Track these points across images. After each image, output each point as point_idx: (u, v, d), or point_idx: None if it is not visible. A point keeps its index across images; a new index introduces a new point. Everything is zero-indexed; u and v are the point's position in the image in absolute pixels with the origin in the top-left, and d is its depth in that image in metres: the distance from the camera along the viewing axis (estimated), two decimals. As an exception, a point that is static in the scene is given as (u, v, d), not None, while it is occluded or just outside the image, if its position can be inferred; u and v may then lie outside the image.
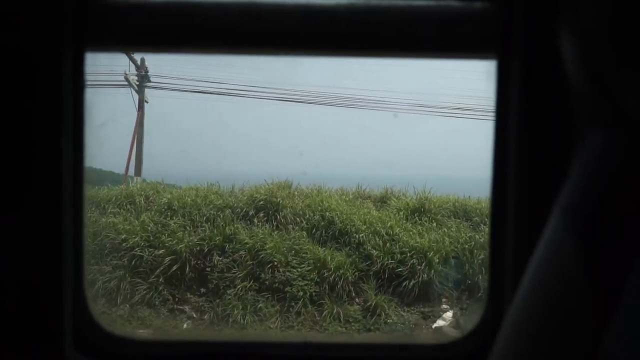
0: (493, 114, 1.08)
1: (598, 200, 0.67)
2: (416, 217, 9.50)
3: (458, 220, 9.65)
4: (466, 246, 8.90)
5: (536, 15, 1.00)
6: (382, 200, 10.18)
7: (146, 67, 13.76)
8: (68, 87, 1.05)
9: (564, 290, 0.67)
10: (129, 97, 13.86)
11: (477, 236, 9.00)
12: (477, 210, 9.63)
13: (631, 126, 0.66)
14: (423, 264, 8.52)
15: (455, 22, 1.09)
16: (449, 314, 8.37)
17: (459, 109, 10.51)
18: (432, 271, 8.49)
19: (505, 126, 1.06)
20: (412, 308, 8.41)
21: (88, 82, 1.09)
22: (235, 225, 8.86)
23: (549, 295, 0.68)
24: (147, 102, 14.15)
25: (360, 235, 8.87)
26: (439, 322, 8.24)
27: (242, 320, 7.89)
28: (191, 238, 8.62)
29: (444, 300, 8.59)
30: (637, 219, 0.64)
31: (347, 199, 10.02)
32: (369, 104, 10.62)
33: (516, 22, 1.03)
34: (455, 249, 8.87)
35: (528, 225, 1.00)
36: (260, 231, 8.79)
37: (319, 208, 9.32)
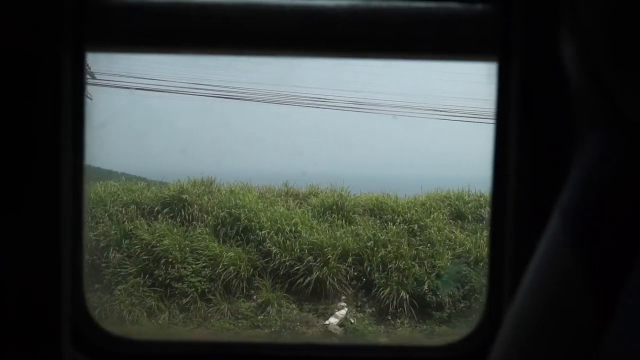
0: (493, 115, 1.08)
1: (598, 201, 0.67)
2: (328, 215, 9.42)
3: (373, 217, 9.57)
4: (368, 243, 8.81)
5: (536, 17, 1.00)
6: (304, 198, 10.13)
7: (88, 65, 13.88)
8: (68, 87, 1.06)
9: (563, 291, 0.67)
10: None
11: (379, 234, 8.91)
12: (390, 209, 9.54)
13: (631, 127, 0.65)
14: (318, 261, 8.44)
15: (455, 24, 1.08)
16: (343, 312, 8.26)
17: (452, 112, 10.36)
18: (326, 268, 8.40)
19: (505, 127, 1.06)
20: (306, 305, 8.32)
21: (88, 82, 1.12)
22: (136, 222, 8.86)
23: (549, 296, 0.68)
24: (90, 99, 14.26)
25: (263, 232, 8.82)
26: (331, 320, 8.15)
27: (128, 317, 7.87)
28: (89, 233, 8.62)
29: (343, 297, 8.50)
30: (637, 220, 0.64)
31: (270, 196, 9.98)
32: (367, 107, 10.46)
33: (516, 24, 1.03)
34: (358, 246, 8.78)
35: (528, 226, 1.00)
36: (160, 227, 8.77)
37: (227, 205, 9.29)
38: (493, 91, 1.07)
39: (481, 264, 8.64)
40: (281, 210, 9.32)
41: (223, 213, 9.15)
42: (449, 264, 8.56)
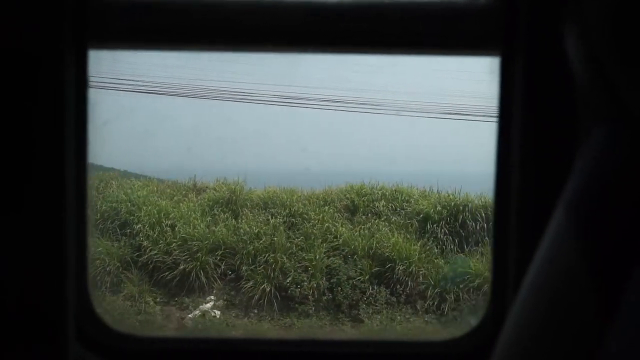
0: (496, 110, 1.08)
1: (602, 196, 0.67)
2: (216, 209, 9.36)
3: (263, 211, 9.48)
4: (244, 237, 8.73)
5: (540, 12, 1.00)
6: (199, 192, 10.09)
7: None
8: (70, 86, 1.06)
9: (567, 287, 0.66)
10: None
11: (254, 227, 8.82)
12: (280, 202, 9.45)
13: (635, 122, 0.65)
14: (186, 254, 8.38)
15: (458, 19, 1.08)
16: (208, 305, 8.19)
17: (451, 112, 10.23)
18: (194, 262, 8.34)
19: (509, 123, 1.06)
20: (172, 298, 8.27)
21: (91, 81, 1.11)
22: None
23: (552, 292, 0.68)
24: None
25: (138, 226, 8.79)
26: (195, 313, 8.08)
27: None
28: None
29: (213, 291, 8.42)
30: None
31: (170, 191, 9.95)
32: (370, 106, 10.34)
33: (520, 19, 1.02)
34: (232, 240, 8.70)
35: (531, 222, 1.00)
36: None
37: (109, 199, 9.29)
38: (496, 86, 1.07)
39: (355, 256, 8.51)
40: (162, 204, 9.28)
41: (104, 207, 9.14)
42: (317, 257, 8.44)
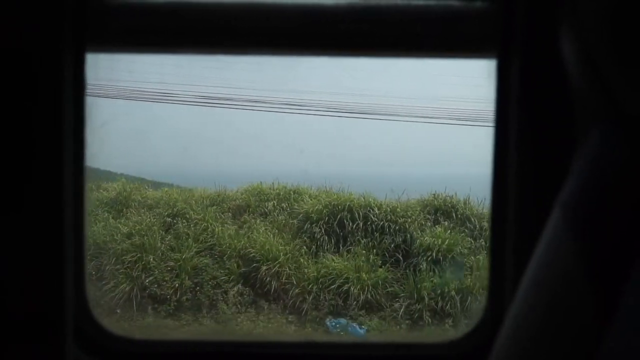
0: (493, 113, 1.08)
1: (599, 198, 0.67)
2: (99, 209, 9.32)
3: (149, 211, 9.43)
4: (117, 237, 8.67)
5: (536, 14, 1.01)
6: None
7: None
8: (69, 88, 1.06)
9: (564, 288, 0.66)
10: None
11: (123, 227, 8.77)
12: (165, 203, 9.40)
13: (632, 124, 0.66)
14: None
15: (455, 21, 1.09)
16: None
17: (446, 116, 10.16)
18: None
19: (506, 124, 1.06)
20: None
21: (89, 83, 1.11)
22: None
23: (550, 293, 0.68)
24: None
25: None
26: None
27: None
28: None
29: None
30: (638, 217, 0.64)
31: None
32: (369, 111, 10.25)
33: (516, 21, 1.03)
34: (103, 240, 8.65)
35: (528, 223, 1.00)
36: None
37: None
38: (492, 88, 1.07)
39: (225, 256, 8.41)
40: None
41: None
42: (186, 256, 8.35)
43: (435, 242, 8.30)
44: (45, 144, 1.04)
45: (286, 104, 10.23)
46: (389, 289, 8.05)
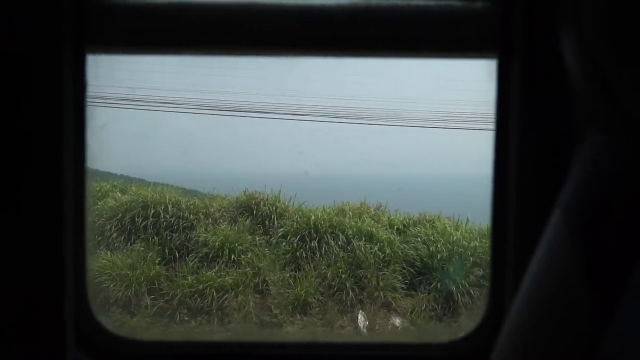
0: (493, 114, 1.10)
1: (599, 199, 0.68)
2: None
3: None
4: None
5: (536, 15, 1.01)
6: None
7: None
8: (69, 89, 1.06)
9: (565, 289, 0.68)
10: None
11: None
12: None
13: (632, 125, 0.66)
14: None
15: (455, 22, 1.09)
16: None
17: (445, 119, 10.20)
18: None
19: (506, 126, 1.07)
20: None
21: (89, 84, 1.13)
22: None
23: (550, 294, 0.69)
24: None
25: None
26: None
27: None
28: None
29: None
30: (638, 219, 0.65)
31: None
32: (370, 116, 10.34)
33: (516, 21, 1.04)
34: None
35: (529, 224, 1.01)
36: None
37: None
38: (493, 89, 1.08)
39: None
40: None
41: None
42: None
43: (211, 239, 7.86)
44: (46, 145, 1.04)
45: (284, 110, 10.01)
46: (154, 287, 7.64)
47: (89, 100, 1.09)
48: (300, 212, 8.06)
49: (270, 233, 7.90)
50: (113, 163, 9.17)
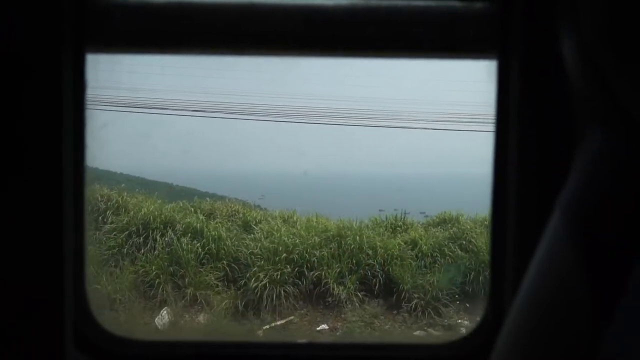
0: (493, 114, 1.10)
1: (599, 199, 0.67)
2: None
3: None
4: None
5: (536, 15, 1.02)
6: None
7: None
8: (68, 89, 1.06)
9: (564, 290, 0.67)
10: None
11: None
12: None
13: (632, 124, 0.66)
14: None
15: (455, 22, 1.09)
16: None
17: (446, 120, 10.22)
18: None
19: (506, 126, 1.07)
20: None
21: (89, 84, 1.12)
22: None
23: (550, 295, 0.69)
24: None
25: None
26: None
27: None
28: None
29: None
30: (638, 219, 0.65)
31: None
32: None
33: (516, 22, 1.04)
34: None
35: (529, 225, 1.02)
36: None
37: None
38: (493, 89, 1.08)
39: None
40: None
41: None
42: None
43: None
44: (45, 144, 1.03)
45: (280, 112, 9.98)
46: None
47: (88, 101, 1.10)
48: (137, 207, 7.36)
49: (101, 229, 7.50)
50: (113, 163, 9.16)
